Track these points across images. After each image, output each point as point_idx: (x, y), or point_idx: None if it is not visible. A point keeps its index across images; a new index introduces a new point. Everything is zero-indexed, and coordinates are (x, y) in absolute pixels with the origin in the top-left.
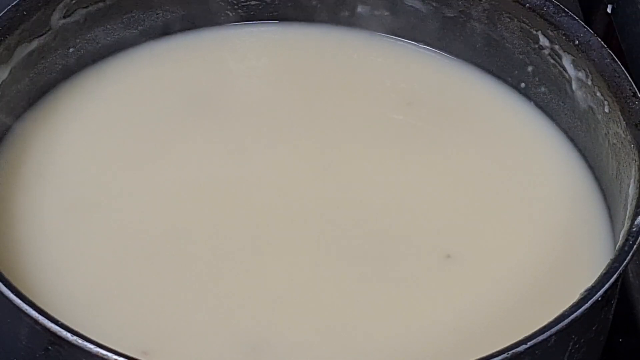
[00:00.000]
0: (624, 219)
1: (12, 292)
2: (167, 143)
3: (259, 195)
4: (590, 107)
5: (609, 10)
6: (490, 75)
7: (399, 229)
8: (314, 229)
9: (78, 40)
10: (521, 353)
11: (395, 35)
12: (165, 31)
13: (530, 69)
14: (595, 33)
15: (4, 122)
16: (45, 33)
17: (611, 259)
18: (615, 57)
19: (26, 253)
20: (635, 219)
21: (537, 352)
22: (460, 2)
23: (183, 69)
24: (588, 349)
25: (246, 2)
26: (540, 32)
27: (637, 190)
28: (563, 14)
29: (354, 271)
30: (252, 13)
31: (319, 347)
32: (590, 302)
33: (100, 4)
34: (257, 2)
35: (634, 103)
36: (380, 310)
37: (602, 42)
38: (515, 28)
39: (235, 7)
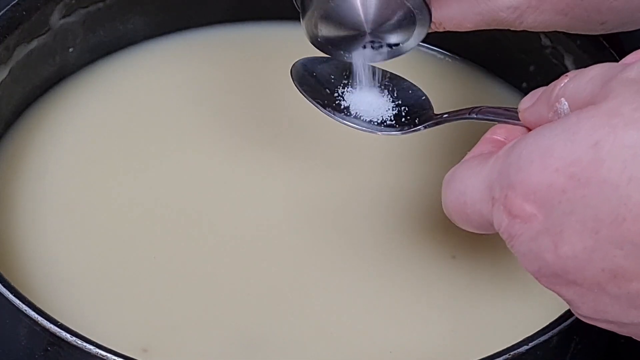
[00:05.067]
0: None
1: (12, 292)
2: (167, 142)
3: (258, 194)
4: None
5: None
6: (491, 75)
7: (402, 229)
8: (315, 228)
9: (78, 40)
10: (523, 354)
11: None
12: (164, 31)
13: (531, 68)
14: None
15: (3, 121)
16: (44, 33)
17: None
18: (616, 57)
19: (26, 253)
20: None
21: (538, 352)
22: None
23: (182, 69)
24: (590, 350)
25: (244, 1)
26: (541, 31)
27: None
28: None
29: (354, 270)
30: (249, 12)
31: (315, 345)
32: None
33: (100, 4)
34: (254, 2)
35: None
36: (381, 310)
37: (604, 42)
38: None
39: (234, 6)
